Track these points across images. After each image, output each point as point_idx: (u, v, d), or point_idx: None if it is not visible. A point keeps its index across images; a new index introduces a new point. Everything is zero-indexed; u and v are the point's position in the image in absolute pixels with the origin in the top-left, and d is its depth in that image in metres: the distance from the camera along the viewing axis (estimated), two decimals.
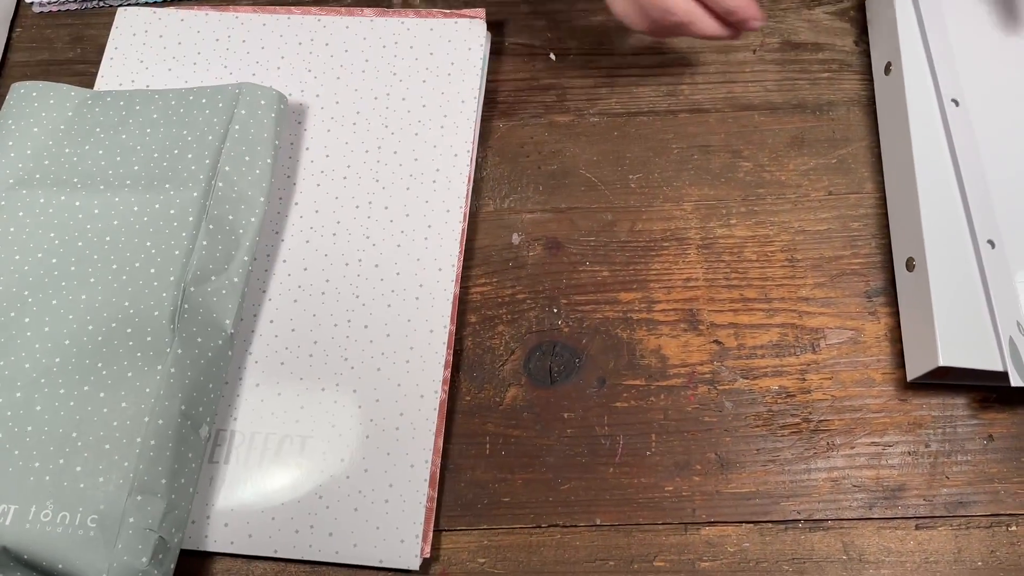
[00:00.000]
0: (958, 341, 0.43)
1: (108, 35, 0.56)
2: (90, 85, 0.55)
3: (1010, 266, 0.45)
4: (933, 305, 0.44)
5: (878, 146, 0.52)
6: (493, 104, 0.55)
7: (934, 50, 0.49)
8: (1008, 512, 0.43)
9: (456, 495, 0.45)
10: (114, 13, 0.57)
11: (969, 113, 0.48)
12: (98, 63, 0.55)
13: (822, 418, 0.46)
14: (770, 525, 0.43)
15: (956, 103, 0.48)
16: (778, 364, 0.47)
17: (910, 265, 0.46)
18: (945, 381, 0.45)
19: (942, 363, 0.42)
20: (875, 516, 0.43)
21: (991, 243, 0.45)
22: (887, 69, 0.52)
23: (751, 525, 0.44)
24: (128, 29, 0.56)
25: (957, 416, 0.45)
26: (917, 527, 0.43)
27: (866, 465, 0.44)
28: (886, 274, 0.49)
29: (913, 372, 0.45)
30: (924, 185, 0.47)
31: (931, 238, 0.45)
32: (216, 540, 0.43)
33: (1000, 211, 0.46)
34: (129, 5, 0.57)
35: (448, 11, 0.55)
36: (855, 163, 0.52)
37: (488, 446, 0.46)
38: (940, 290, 0.44)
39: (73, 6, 0.58)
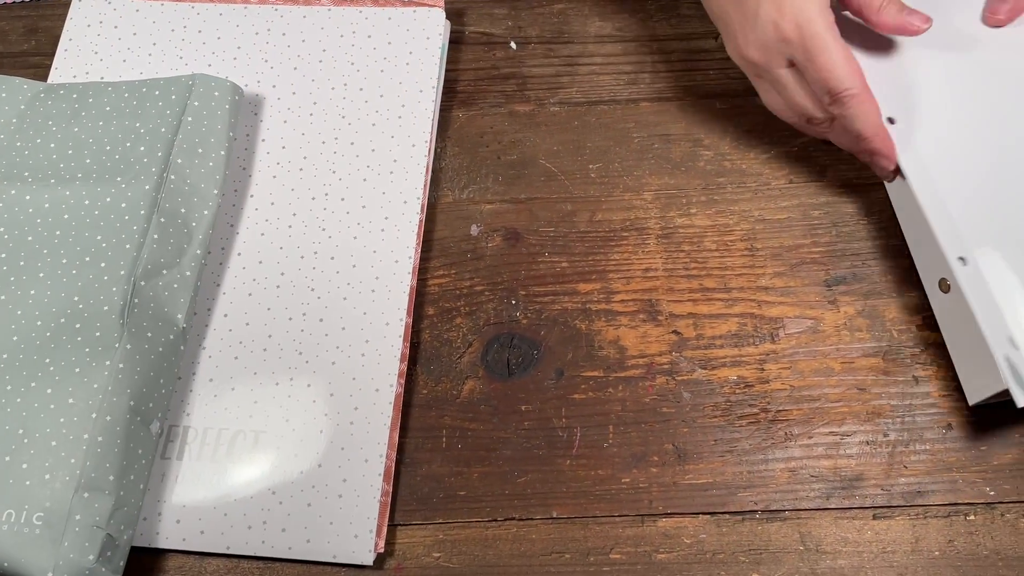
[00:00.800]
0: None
1: (63, 27, 0.55)
2: (45, 77, 0.54)
3: (988, 281, 0.43)
4: (982, 327, 0.42)
5: None
6: (452, 94, 0.54)
7: (867, 69, 0.46)
8: (966, 502, 0.43)
9: (412, 489, 0.44)
10: (69, 4, 0.56)
11: (910, 131, 0.46)
12: (53, 55, 0.55)
13: (780, 408, 0.45)
14: (727, 516, 0.43)
15: (891, 121, 0.46)
16: (737, 354, 0.46)
17: (944, 286, 0.45)
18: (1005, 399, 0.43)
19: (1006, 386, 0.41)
20: (832, 506, 0.43)
21: (962, 260, 0.43)
22: None
23: (708, 516, 0.43)
24: (83, 20, 0.55)
25: (916, 405, 0.45)
26: (875, 517, 0.43)
27: (824, 455, 0.44)
28: (846, 262, 0.48)
29: (974, 397, 0.44)
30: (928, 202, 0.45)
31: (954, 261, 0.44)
32: (168, 537, 0.43)
33: (965, 227, 0.44)
34: None
35: (407, 0, 0.55)
36: (816, 151, 0.52)
37: (444, 439, 0.45)
38: (985, 311, 0.42)
39: None
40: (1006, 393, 0.42)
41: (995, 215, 0.44)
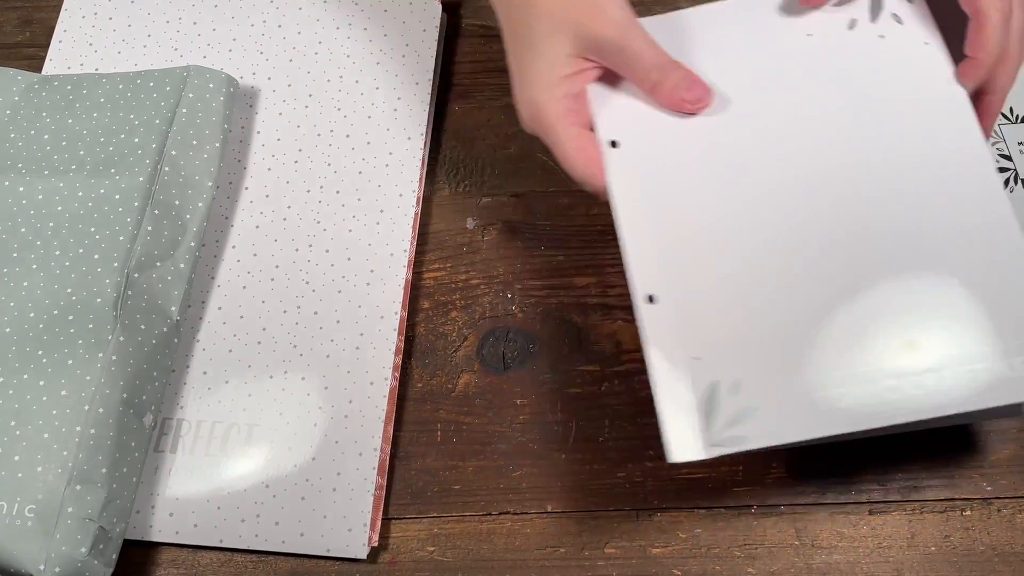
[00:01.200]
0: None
1: (57, 18, 0.55)
2: (39, 69, 0.54)
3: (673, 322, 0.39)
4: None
5: None
6: (449, 86, 0.54)
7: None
8: (962, 497, 0.43)
9: (406, 483, 0.44)
10: None
11: (630, 157, 0.41)
12: (47, 46, 0.54)
13: None
14: (723, 511, 0.43)
15: (614, 144, 0.41)
16: None
17: None
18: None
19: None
20: (828, 501, 0.43)
21: (651, 298, 0.39)
22: None
23: (703, 511, 0.43)
24: (78, 12, 0.55)
25: None
26: (871, 512, 0.43)
27: (820, 450, 0.44)
28: None
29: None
30: None
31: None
32: (161, 530, 0.43)
33: (666, 260, 0.40)
34: None
35: None
36: None
37: (439, 433, 0.45)
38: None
39: None
40: None
41: (691, 259, 0.40)
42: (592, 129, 0.41)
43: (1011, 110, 0.47)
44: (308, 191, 0.50)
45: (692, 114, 0.41)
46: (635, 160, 0.41)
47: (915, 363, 0.36)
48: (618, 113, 0.42)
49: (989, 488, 0.43)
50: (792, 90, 0.41)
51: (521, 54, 0.40)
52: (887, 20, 0.41)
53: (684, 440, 0.37)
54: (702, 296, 0.39)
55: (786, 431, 0.36)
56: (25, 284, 0.44)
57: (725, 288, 0.39)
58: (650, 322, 0.38)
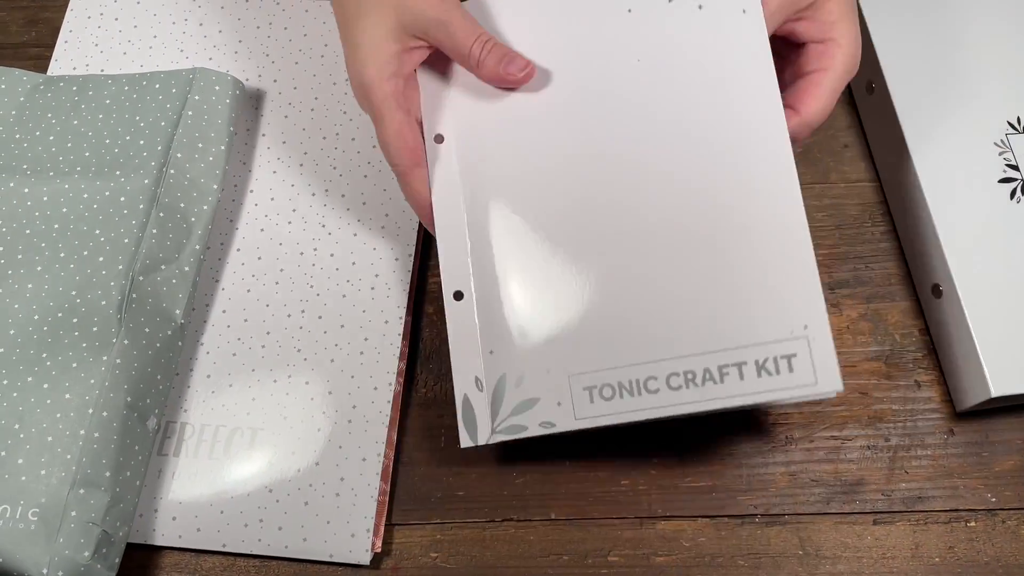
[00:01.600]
0: (1007, 368, 0.42)
1: (63, 18, 0.55)
2: (44, 69, 0.54)
3: (470, 318, 0.41)
4: (974, 334, 0.42)
5: (844, 135, 0.51)
6: None
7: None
8: (967, 508, 0.43)
9: (409, 489, 0.44)
10: None
11: (451, 153, 0.42)
12: (53, 46, 0.54)
13: (781, 411, 0.45)
14: (726, 520, 0.43)
15: (439, 139, 0.43)
16: None
17: (936, 292, 0.45)
18: (994, 407, 0.43)
19: (994, 394, 0.41)
20: (832, 511, 0.43)
21: (458, 295, 0.41)
22: (869, 88, 0.50)
23: (707, 519, 0.43)
24: (84, 12, 0.55)
25: (918, 410, 0.45)
26: (875, 522, 0.43)
27: (825, 459, 0.44)
28: (848, 265, 0.48)
29: (962, 404, 0.44)
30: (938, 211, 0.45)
31: (956, 264, 0.44)
32: (164, 534, 0.43)
33: (475, 258, 0.42)
34: None
35: None
36: (820, 153, 0.51)
37: (443, 439, 0.45)
38: (976, 317, 0.42)
39: None
40: (996, 400, 0.41)
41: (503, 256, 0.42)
42: (419, 119, 0.42)
43: (1019, 119, 0.47)
44: (313, 194, 0.50)
45: (515, 87, 0.42)
46: (457, 155, 0.42)
47: (682, 352, 0.38)
48: (446, 105, 0.43)
49: (994, 499, 0.43)
50: (608, 74, 0.41)
51: (349, 28, 0.41)
52: None
53: (472, 428, 0.41)
54: (500, 293, 0.41)
55: (560, 422, 0.39)
56: (29, 286, 0.44)
57: (521, 286, 0.41)
58: (453, 318, 0.41)
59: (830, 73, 0.40)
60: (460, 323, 0.41)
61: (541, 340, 0.40)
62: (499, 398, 0.40)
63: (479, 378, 0.41)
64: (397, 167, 0.41)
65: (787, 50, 0.42)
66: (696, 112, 0.40)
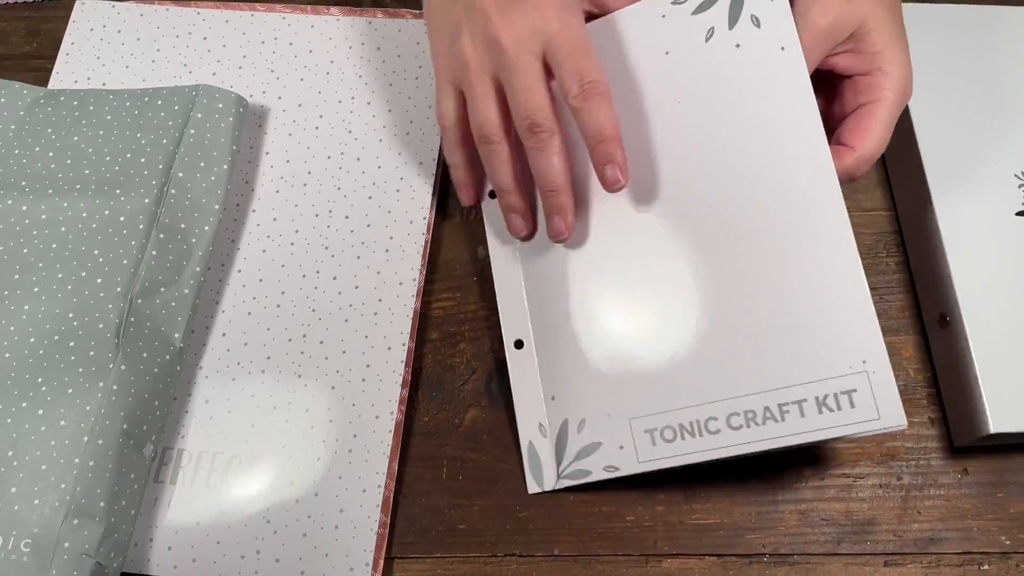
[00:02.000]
0: (1009, 405, 0.41)
1: (65, 29, 0.54)
2: (45, 81, 0.53)
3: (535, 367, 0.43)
4: (977, 367, 0.42)
5: None
6: None
7: None
8: (980, 551, 0.42)
9: (410, 521, 0.43)
10: (72, 6, 0.54)
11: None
12: (54, 58, 0.53)
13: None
14: (734, 558, 0.42)
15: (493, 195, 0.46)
16: None
17: (942, 322, 0.44)
18: (995, 443, 0.42)
19: (993, 430, 0.40)
20: (843, 551, 0.42)
21: (519, 343, 0.44)
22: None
23: (714, 558, 0.42)
24: (86, 24, 0.54)
25: (931, 448, 0.44)
26: (886, 564, 0.42)
27: (835, 498, 0.43)
28: None
29: (961, 438, 0.43)
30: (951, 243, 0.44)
31: (963, 293, 0.43)
32: (159, 564, 0.42)
33: (532, 306, 0.44)
34: None
35: (418, 11, 0.53)
36: None
37: (445, 470, 0.44)
38: (981, 349, 0.42)
39: None
40: (995, 437, 0.41)
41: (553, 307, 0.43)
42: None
43: None
44: (317, 215, 0.49)
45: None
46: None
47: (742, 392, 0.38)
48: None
49: (1008, 542, 0.42)
50: (649, 117, 0.41)
51: None
52: (745, 24, 0.40)
53: (538, 474, 0.42)
54: (558, 339, 0.42)
55: (623, 465, 0.40)
56: (26, 308, 0.43)
57: (577, 331, 0.42)
58: (515, 366, 0.44)
59: (882, 104, 0.39)
60: (522, 371, 0.43)
61: (600, 384, 0.41)
62: (563, 443, 0.42)
63: (543, 424, 0.42)
64: (599, 82, 0.38)
65: (836, 82, 0.41)
66: (741, 152, 0.39)
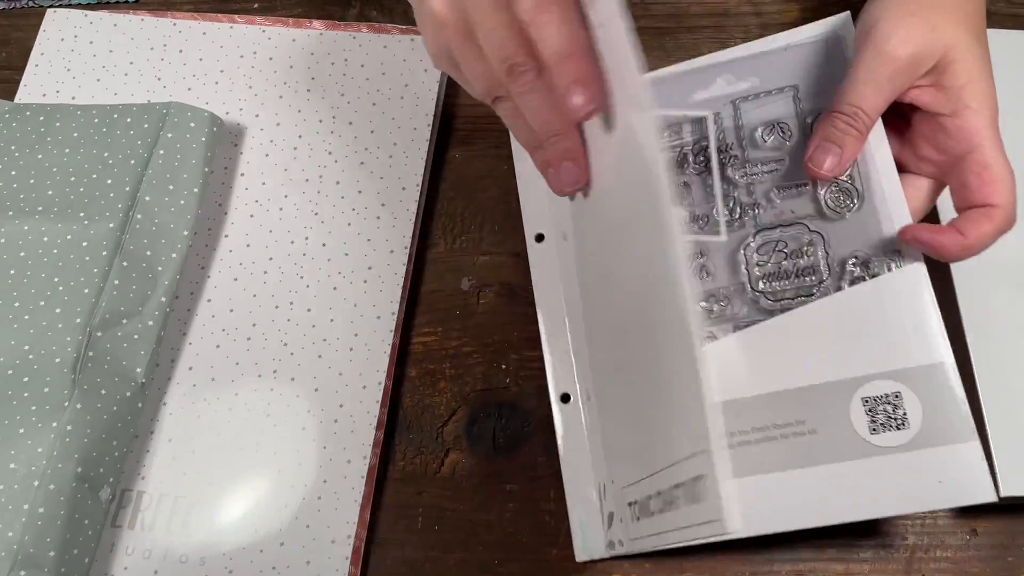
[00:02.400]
0: (1019, 467, 0.38)
1: (35, 38, 0.51)
2: (13, 93, 0.50)
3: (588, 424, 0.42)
4: (988, 429, 0.39)
5: None
6: (449, 132, 0.50)
7: None
8: None
9: (382, 574, 0.41)
10: (44, 14, 0.52)
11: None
12: (23, 69, 0.51)
13: None
14: None
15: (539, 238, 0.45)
16: None
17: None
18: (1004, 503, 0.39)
19: (1004, 494, 0.38)
20: None
21: (565, 397, 0.43)
22: None
23: None
24: (56, 33, 0.51)
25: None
26: None
27: (835, 559, 0.40)
28: None
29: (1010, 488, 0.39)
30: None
31: (977, 355, 0.40)
32: None
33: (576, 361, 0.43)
34: (60, 6, 0.53)
35: (405, 27, 0.50)
36: None
37: (421, 519, 0.42)
38: (993, 412, 0.39)
39: (1, 5, 0.54)
40: (1006, 499, 0.38)
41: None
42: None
43: None
44: (292, 242, 0.46)
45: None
46: (558, 252, 0.44)
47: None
48: (546, 205, 0.45)
49: None
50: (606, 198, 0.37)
51: None
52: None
53: (587, 541, 0.40)
54: (598, 400, 0.41)
55: (626, 542, 0.38)
56: None
57: (599, 394, 0.41)
58: (562, 419, 0.42)
59: (1000, 211, 0.35)
60: (568, 425, 0.42)
61: (607, 447, 0.40)
62: (602, 507, 0.40)
63: (588, 485, 0.41)
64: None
65: (912, 115, 0.38)
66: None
